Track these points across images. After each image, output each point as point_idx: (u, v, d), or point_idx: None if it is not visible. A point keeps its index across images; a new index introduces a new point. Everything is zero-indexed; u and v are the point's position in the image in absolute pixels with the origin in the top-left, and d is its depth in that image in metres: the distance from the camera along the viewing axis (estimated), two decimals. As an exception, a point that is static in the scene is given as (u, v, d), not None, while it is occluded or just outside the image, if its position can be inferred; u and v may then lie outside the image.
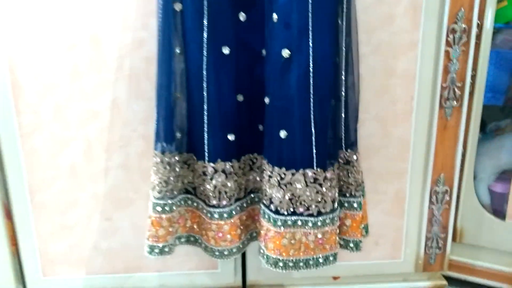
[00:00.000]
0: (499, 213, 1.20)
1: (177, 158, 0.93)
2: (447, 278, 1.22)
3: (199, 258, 1.12)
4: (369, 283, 1.20)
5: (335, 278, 1.20)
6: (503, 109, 1.35)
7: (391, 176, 1.10)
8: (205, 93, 0.88)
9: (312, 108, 0.84)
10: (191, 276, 1.16)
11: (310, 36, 0.80)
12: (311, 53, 0.82)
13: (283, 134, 0.86)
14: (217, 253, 0.96)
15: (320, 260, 0.92)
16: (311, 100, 0.84)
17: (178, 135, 0.93)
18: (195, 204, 0.98)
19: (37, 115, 1.01)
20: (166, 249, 0.94)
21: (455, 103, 1.04)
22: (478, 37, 1.03)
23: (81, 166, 1.06)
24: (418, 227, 1.14)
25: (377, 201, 1.12)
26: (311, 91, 0.84)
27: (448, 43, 1.00)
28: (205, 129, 0.90)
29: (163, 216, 0.92)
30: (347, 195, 0.96)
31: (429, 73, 1.02)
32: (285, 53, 0.83)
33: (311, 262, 0.92)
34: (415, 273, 1.19)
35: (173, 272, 1.15)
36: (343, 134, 0.94)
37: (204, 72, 0.87)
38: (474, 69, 1.04)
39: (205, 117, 0.90)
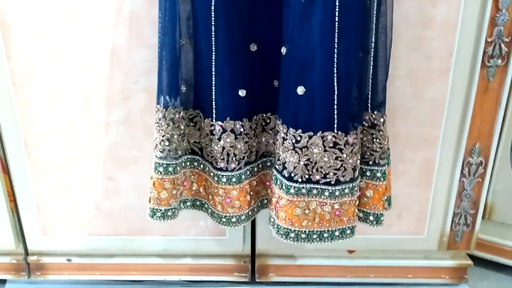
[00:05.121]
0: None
1: (182, 114, 0.88)
2: (472, 258, 1.17)
3: (207, 224, 1.10)
4: (386, 258, 1.15)
5: (350, 251, 1.16)
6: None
7: (420, 143, 1.03)
8: (213, 40, 0.81)
9: (336, 60, 0.76)
10: (198, 241, 1.13)
11: None
12: (337, -8, 0.73)
13: (300, 90, 0.79)
14: (224, 220, 0.92)
15: (336, 233, 0.88)
16: (335, 50, 0.76)
17: (184, 88, 0.87)
18: (201, 166, 0.93)
19: (30, 61, 0.95)
20: (169, 213, 0.90)
21: (500, 61, 0.95)
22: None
23: (79, 120, 1.01)
24: (445, 201, 1.08)
25: (402, 171, 1.05)
26: (336, 40, 0.75)
27: (497, -10, 0.91)
28: (213, 82, 0.84)
29: (166, 177, 0.88)
30: (370, 163, 0.88)
31: (473, 25, 0.92)
32: (307, -8, 0.74)
33: (325, 235, 0.87)
34: (438, 251, 1.13)
35: (178, 237, 1.12)
36: (369, 93, 0.85)
37: (213, 14, 0.79)
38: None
39: (213, 69, 0.83)
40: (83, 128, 1.01)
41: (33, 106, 0.99)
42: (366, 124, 0.87)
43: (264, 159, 0.94)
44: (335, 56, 0.76)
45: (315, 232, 0.86)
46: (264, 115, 0.91)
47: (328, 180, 0.83)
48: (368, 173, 0.89)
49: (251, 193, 0.93)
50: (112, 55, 0.95)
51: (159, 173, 0.87)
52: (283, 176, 0.84)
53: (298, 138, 0.81)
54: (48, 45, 0.94)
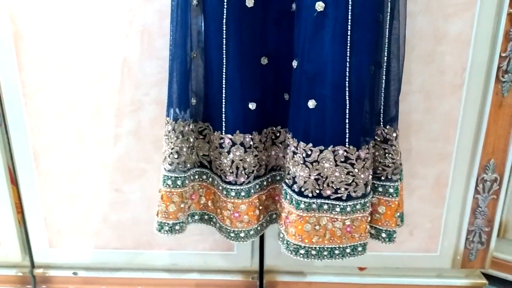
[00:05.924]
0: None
1: (191, 127, 0.87)
2: (487, 277, 1.16)
3: (215, 238, 1.09)
4: (398, 276, 1.14)
5: (361, 268, 1.15)
6: None
7: (433, 158, 1.02)
8: (224, 53, 0.81)
9: (347, 74, 0.75)
10: (205, 256, 1.13)
11: None
12: (349, 6, 0.72)
13: (311, 104, 0.78)
14: (232, 235, 0.91)
15: (347, 250, 0.86)
16: (347, 64, 0.75)
17: (194, 101, 0.87)
18: (210, 179, 0.92)
19: (41, 72, 0.96)
20: (177, 227, 0.89)
21: (515, 77, 0.95)
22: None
23: (89, 131, 1.01)
24: (459, 218, 1.07)
25: (414, 187, 1.04)
26: (348, 53, 0.74)
27: (513, 4, 0.90)
28: (223, 95, 0.83)
29: (174, 190, 0.87)
30: (383, 178, 0.87)
31: (487, 40, 0.92)
32: (319, 5, 0.73)
33: (336, 252, 0.86)
34: (452, 269, 1.12)
35: (185, 251, 1.12)
36: (381, 107, 0.85)
37: (224, 28, 0.79)
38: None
39: (224, 82, 0.82)
40: (92, 139, 1.02)
41: (43, 117, 1.00)
42: (378, 139, 0.86)
43: (273, 173, 0.93)
44: (347, 70, 0.75)
45: (325, 248, 0.85)
46: (274, 128, 0.90)
47: (339, 195, 0.81)
48: (380, 189, 0.88)
49: (260, 208, 0.92)
50: (123, 67, 0.95)
51: (167, 186, 0.86)
52: (293, 191, 0.83)
53: (309, 152, 0.80)
54: (60, 56, 0.95)
